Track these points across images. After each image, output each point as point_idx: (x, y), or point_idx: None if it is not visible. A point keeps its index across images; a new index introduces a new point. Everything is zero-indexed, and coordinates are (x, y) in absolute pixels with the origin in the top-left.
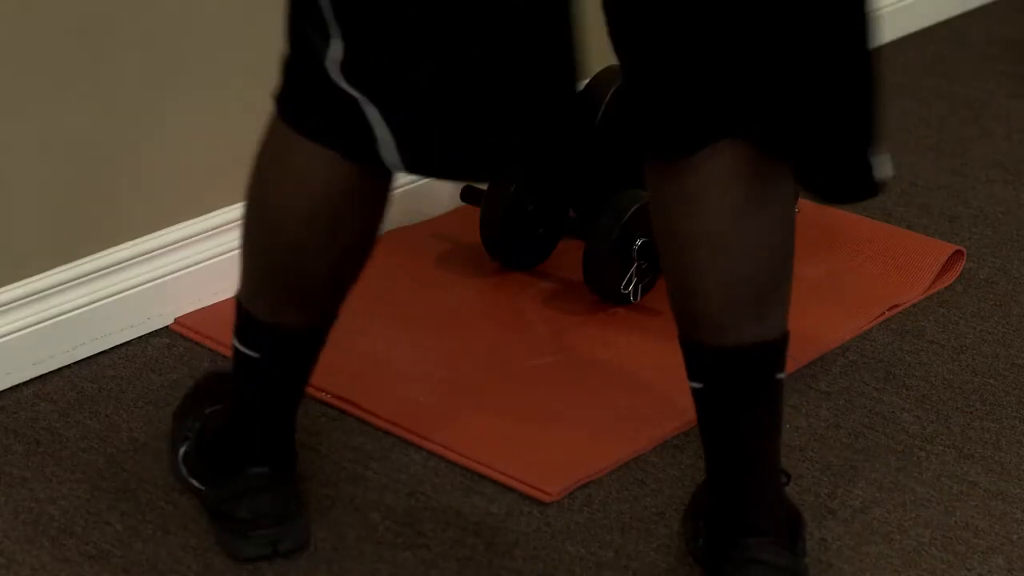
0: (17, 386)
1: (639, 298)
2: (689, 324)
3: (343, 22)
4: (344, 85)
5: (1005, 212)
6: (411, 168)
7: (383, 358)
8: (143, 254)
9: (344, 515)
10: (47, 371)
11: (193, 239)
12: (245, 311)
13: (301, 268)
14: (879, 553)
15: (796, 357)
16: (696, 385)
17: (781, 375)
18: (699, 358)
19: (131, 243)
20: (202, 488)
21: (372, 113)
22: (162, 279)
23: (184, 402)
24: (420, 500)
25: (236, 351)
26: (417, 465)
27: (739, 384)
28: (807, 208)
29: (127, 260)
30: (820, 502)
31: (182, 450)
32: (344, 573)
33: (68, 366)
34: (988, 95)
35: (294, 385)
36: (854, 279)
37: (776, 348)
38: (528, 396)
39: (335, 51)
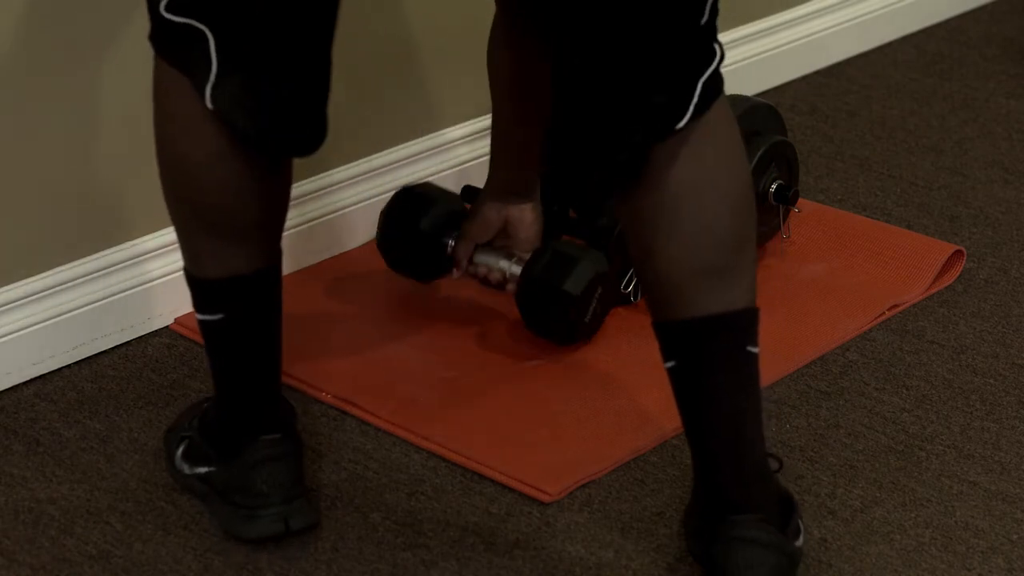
0: (17, 386)
1: (639, 298)
2: (659, 302)
3: None
4: (173, 18)
5: (1005, 212)
6: (216, 103)
7: (383, 358)
8: (143, 254)
9: (344, 515)
10: (47, 371)
11: None
12: (194, 278)
13: (220, 207)
14: (879, 553)
15: (796, 357)
16: (671, 364)
17: (754, 349)
18: (670, 334)
19: (131, 243)
20: (210, 470)
21: (211, 43)
22: (162, 279)
23: (176, 419)
24: (420, 500)
25: (201, 324)
26: (417, 465)
27: (711, 356)
28: (808, 208)
29: (127, 260)
30: (820, 502)
31: (180, 449)
32: (344, 573)
33: (68, 366)
34: (988, 95)
35: (264, 337)
36: (854, 279)
37: (745, 319)
38: (528, 396)
39: None
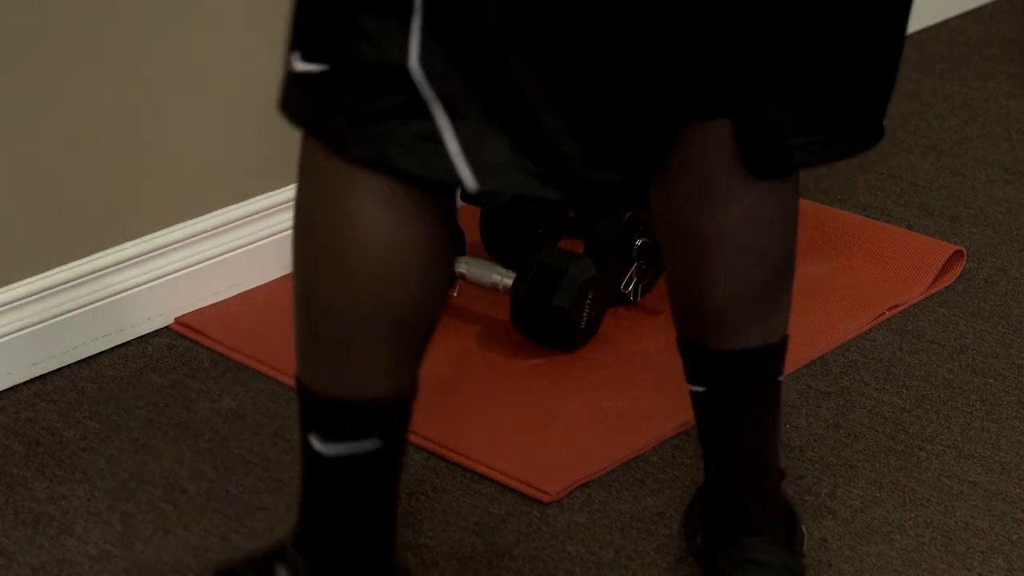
0: (17, 386)
1: (639, 298)
2: (694, 327)
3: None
4: (421, 80)
5: (1005, 212)
6: (485, 183)
7: None
8: (143, 254)
9: None
10: (47, 371)
11: (193, 239)
12: (324, 400)
13: (382, 321)
14: (879, 553)
15: (796, 357)
16: (698, 389)
17: (781, 377)
18: (703, 362)
19: (131, 243)
20: None
21: (442, 120)
22: (162, 279)
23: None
24: (420, 500)
25: (316, 460)
26: (417, 465)
27: (743, 387)
28: (807, 208)
29: (127, 260)
30: (820, 502)
31: None
32: None
33: (68, 366)
34: (988, 95)
35: (396, 478)
36: (854, 279)
37: (779, 350)
38: (528, 396)
39: (414, 41)
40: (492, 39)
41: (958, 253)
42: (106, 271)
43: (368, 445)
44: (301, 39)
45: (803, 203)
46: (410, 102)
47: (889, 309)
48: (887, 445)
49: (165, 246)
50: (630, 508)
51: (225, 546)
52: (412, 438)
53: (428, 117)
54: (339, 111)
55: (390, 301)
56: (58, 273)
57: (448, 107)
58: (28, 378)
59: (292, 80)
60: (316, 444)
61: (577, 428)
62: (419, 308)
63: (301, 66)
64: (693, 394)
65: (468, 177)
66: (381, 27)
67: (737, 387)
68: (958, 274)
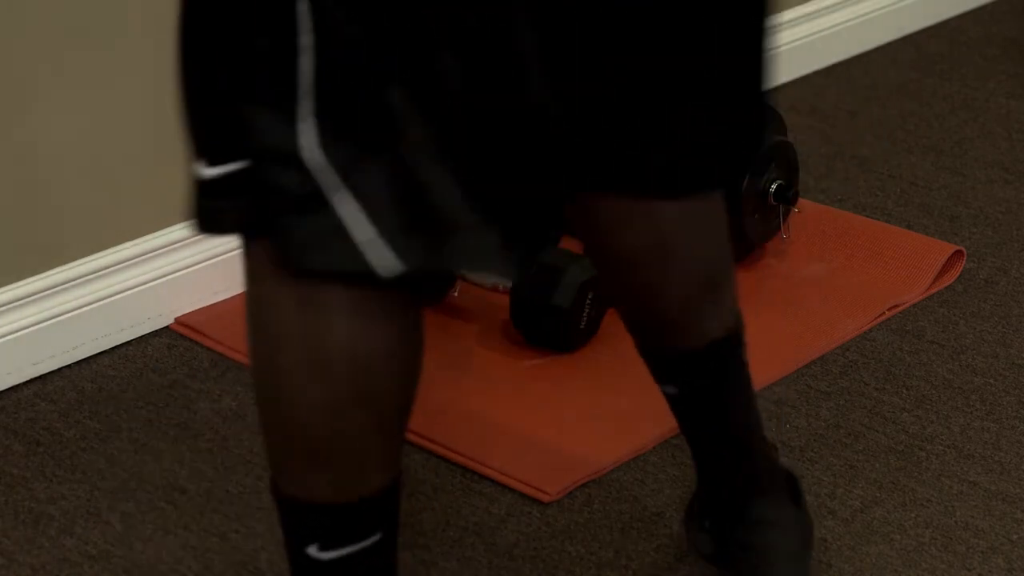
0: (17, 386)
1: None
2: (651, 334)
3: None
4: (323, 168)
5: (1005, 212)
6: (412, 263)
7: None
8: (143, 254)
9: None
10: (47, 371)
11: (193, 239)
12: (322, 507)
13: (375, 416)
14: (879, 553)
15: (796, 357)
16: (670, 390)
17: (745, 355)
18: (669, 364)
19: (131, 243)
20: None
21: (348, 207)
22: (162, 279)
23: None
24: (420, 500)
25: (313, 568)
26: (417, 465)
27: (713, 378)
28: (807, 209)
29: (127, 260)
30: (820, 502)
31: None
32: None
33: (68, 366)
34: (988, 95)
35: (395, 557)
36: (854, 279)
37: (738, 334)
38: (528, 396)
39: (304, 126)
40: (396, 106)
41: (958, 253)
42: (106, 271)
43: (371, 540)
44: (201, 144)
45: (803, 203)
46: (310, 194)
47: (889, 309)
48: (887, 445)
49: (165, 246)
50: (630, 508)
51: (225, 546)
52: (412, 438)
53: (328, 208)
54: (250, 210)
55: (379, 395)
56: (58, 273)
57: (357, 192)
58: (28, 378)
59: (198, 189)
60: (314, 553)
61: (577, 428)
62: (408, 392)
63: (208, 172)
64: (666, 395)
65: (385, 262)
66: (267, 117)
67: (708, 380)
68: (958, 274)
